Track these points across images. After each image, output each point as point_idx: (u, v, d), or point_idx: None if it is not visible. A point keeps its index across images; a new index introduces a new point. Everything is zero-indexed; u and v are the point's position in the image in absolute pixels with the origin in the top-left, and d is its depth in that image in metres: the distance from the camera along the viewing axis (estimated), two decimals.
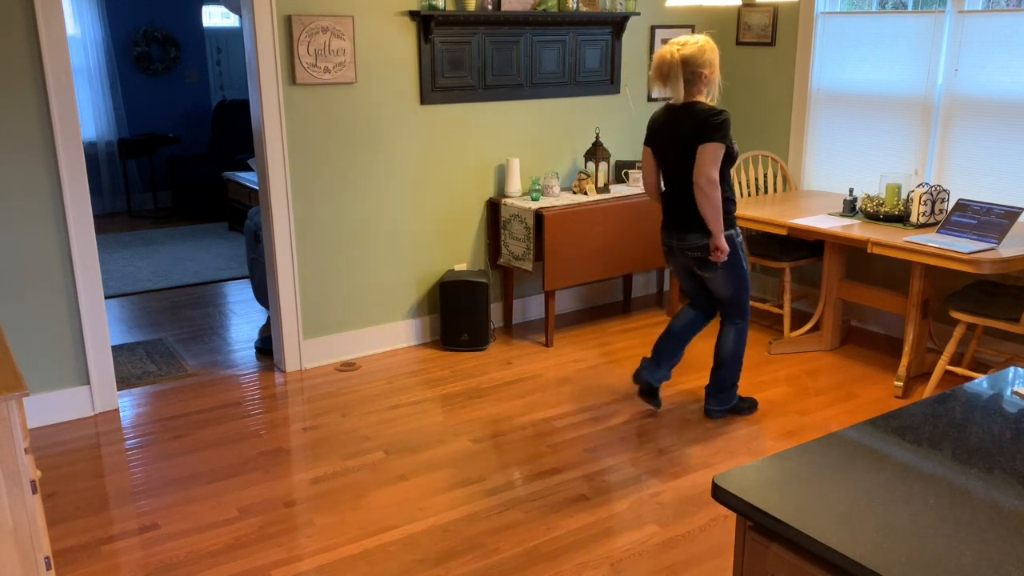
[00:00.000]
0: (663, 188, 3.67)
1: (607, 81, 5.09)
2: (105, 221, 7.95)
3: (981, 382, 1.95)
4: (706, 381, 3.88)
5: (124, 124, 8.38)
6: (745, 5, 5.27)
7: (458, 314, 4.61)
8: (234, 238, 7.33)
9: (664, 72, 3.43)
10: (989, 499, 1.44)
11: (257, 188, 4.55)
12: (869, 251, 3.94)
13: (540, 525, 3.04)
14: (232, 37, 8.79)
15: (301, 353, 4.42)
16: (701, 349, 4.71)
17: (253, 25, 3.97)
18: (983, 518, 1.38)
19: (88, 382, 3.89)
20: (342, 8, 4.15)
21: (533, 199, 4.64)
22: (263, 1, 3.94)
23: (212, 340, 4.91)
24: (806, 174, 5.19)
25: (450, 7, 4.43)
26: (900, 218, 4.14)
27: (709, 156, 3.35)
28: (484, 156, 4.77)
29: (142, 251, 6.95)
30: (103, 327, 3.89)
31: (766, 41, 5.24)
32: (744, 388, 4.17)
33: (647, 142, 3.64)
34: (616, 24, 5.01)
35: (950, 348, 3.90)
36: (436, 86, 4.51)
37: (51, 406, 3.81)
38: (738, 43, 5.41)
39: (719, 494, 1.49)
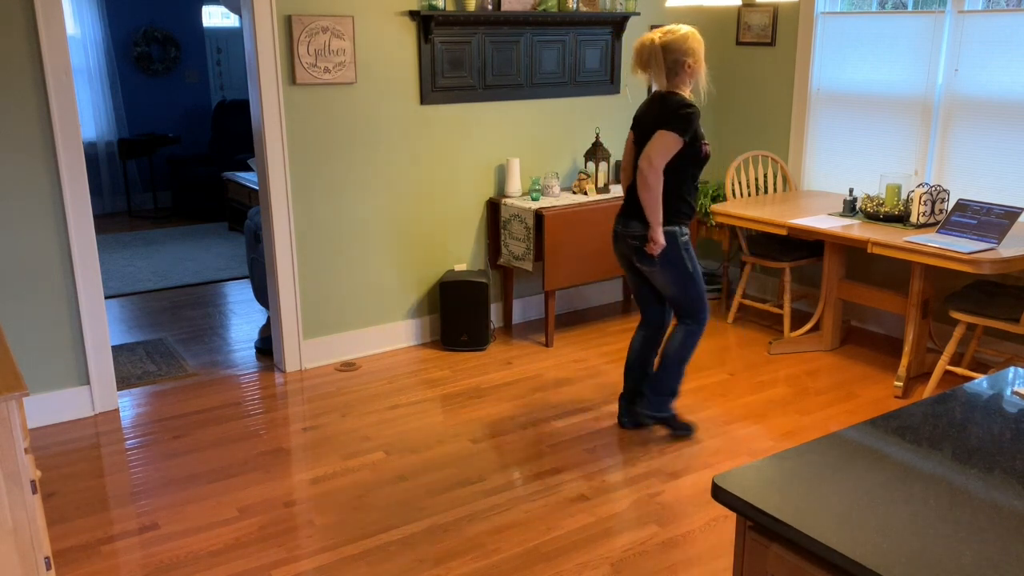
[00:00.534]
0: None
1: (607, 81, 5.09)
2: (105, 221, 7.95)
3: (981, 382, 1.95)
4: (707, 381, 3.87)
5: (124, 124, 8.38)
6: (745, 5, 5.27)
7: (458, 314, 4.61)
8: (234, 238, 7.33)
9: (644, 58, 3.34)
10: (989, 499, 1.44)
11: (257, 188, 4.55)
12: (869, 251, 3.94)
13: (540, 525, 3.04)
14: (232, 37, 8.79)
15: (301, 353, 4.42)
16: (704, 348, 4.71)
17: (253, 25, 3.97)
18: (983, 518, 1.38)
19: (88, 382, 3.89)
20: (342, 8, 4.15)
21: (533, 199, 4.64)
22: (263, 1, 3.94)
23: (212, 340, 4.91)
24: (806, 174, 5.19)
25: (450, 7, 4.43)
26: (900, 218, 4.14)
27: (659, 143, 3.24)
28: (484, 156, 4.77)
29: (142, 251, 6.95)
30: (103, 327, 3.89)
31: (766, 41, 5.24)
32: (744, 388, 4.18)
33: (632, 127, 3.54)
34: (616, 24, 5.01)
35: (950, 348, 3.90)
36: (436, 86, 4.51)
37: (51, 406, 3.81)
38: (738, 43, 5.41)
39: (719, 494, 1.49)
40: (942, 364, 3.93)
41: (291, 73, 4.09)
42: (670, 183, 3.30)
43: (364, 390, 4.19)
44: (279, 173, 4.17)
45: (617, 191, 4.88)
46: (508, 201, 4.69)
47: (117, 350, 4.65)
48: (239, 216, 7.12)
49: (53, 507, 3.16)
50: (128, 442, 3.69)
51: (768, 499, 1.44)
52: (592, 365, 4.47)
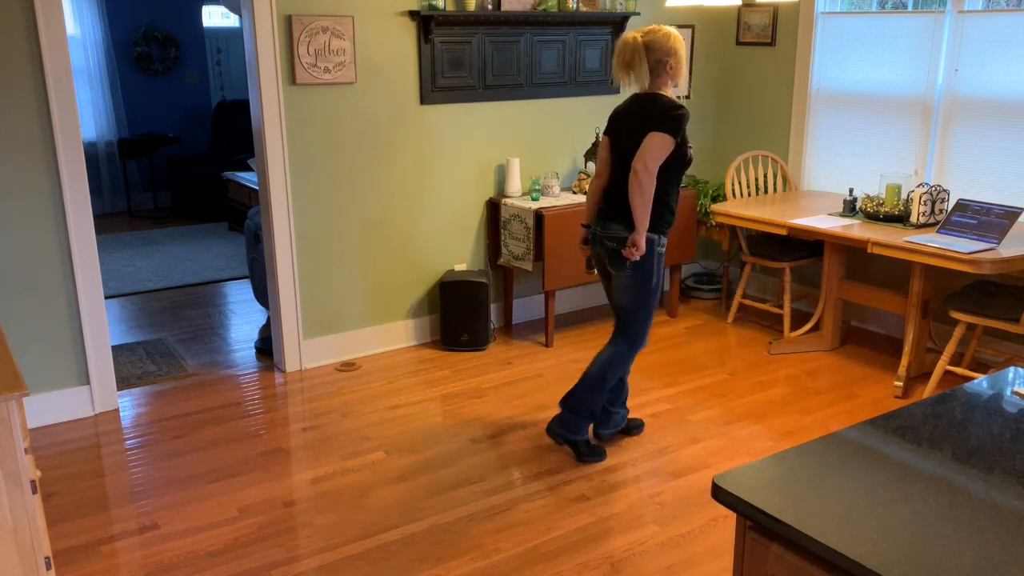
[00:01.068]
0: (607, 180, 3.38)
1: (607, 81, 5.09)
2: (105, 221, 7.95)
3: (981, 382, 1.95)
4: (707, 381, 3.86)
5: (124, 124, 8.38)
6: (745, 5, 5.27)
7: (458, 314, 4.61)
8: (234, 238, 7.33)
9: (627, 58, 3.23)
10: (989, 499, 1.44)
11: (257, 188, 4.55)
12: (869, 251, 3.94)
13: (540, 525, 3.04)
14: (232, 37, 8.79)
15: (301, 353, 4.42)
16: (704, 348, 4.71)
17: (253, 25, 3.97)
18: (983, 518, 1.38)
19: (88, 382, 3.89)
20: (342, 8, 4.15)
21: (533, 199, 4.64)
22: (263, 1, 3.94)
23: (212, 340, 4.91)
24: (806, 174, 5.19)
25: (450, 7, 4.43)
26: (900, 218, 4.14)
27: (653, 145, 3.13)
28: (484, 156, 4.77)
29: (142, 251, 6.95)
30: (103, 327, 3.89)
31: (766, 41, 5.24)
32: (743, 388, 4.18)
33: (607, 131, 3.40)
34: (616, 24, 5.01)
35: (950, 348, 3.90)
36: (436, 86, 4.51)
37: (51, 406, 3.81)
38: (738, 43, 5.41)
39: (719, 494, 1.49)
40: (942, 364, 3.93)
41: (291, 73, 4.09)
42: (657, 188, 3.20)
43: (364, 390, 4.19)
44: (279, 173, 4.17)
45: None
46: (508, 201, 4.69)
47: (117, 350, 4.65)
48: (239, 216, 7.11)
49: (53, 507, 3.16)
50: (128, 442, 3.69)
51: (768, 499, 1.44)
52: None
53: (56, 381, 3.82)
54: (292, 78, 4.09)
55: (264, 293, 4.56)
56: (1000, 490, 1.47)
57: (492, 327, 4.80)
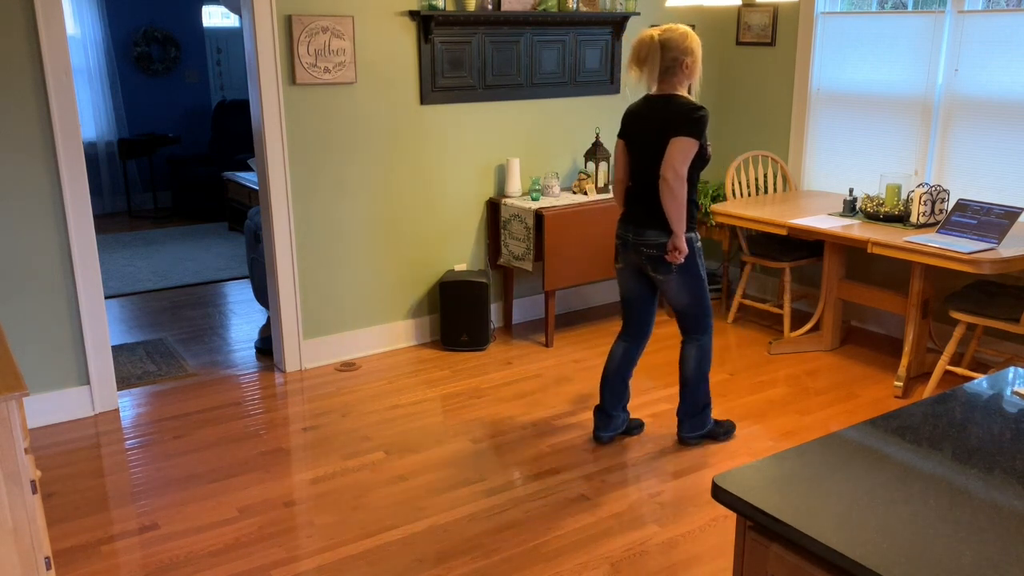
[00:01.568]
0: (629, 183, 3.45)
1: (607, 81, 5.09)
2: (105, 221, 7.95)
3: (981, 382, 1.95)
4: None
5: (124, 124, 8.38)
6: (745, 5, 5.27)
7: (458, 314, 4.61)
8: (234, 238, 7.33)
9: (643, 55, 3.23)
10: (989, 499, 1.44)
11: (257, 188, 4.55)
12: (869, 251, 3.94)
13: (540, 525, 3.04)
14: (232, 37, 8.79)
15: (301, 353, 4.42)
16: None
17: (253, 25, 3.97)
18: (983, 518, 1.38)
19: (88, 382, 3.89)
20: (342, 8, 4.15)
21: (533, 199, 4.64)
22: (263, 1, 3.95)
23: (212, 340, 4.91)
24: (806, 174, 5.19)
25: (450, 7, 4.43)
26: (900, 218, 4.14)
27: (680, 150, 3.17)
28: (484, 156, 4.77)
29: (142, 251, 6.95)
30: (103, 327, 3.89)
31: (766, 41, 5.24)
32: (744, 388, 4.18)
33: (621, 135, 3.43)
34: (616, 24, 5.01)
35: (950, 348, 3.90)
36: (436, 86, 4.51)
37: (51, 406, 3.81)
38: (738, 43, 5.41)
39: (719, 494, 1.49)
40: (942, 364, 3.93)
41: (291, 73, 4.09)
42: None
43: (364, 390, 4.19)
44: (279, 173, 4.17)
45: None
46: (508, 201, 4.69)
47: (117, 350, 4.65)
48: (239, 216, 7.12)
49: (53, 507, 3.16)
50: (128, 442, 3.69)
51: (768, 499, 1.44)
52: (592, 365, 4.46)
53: (56, 381, 3.82)
54: (292, 78, 4.09)
55: (264, 293, 4.56)
56: (1000, 490, 1.47)
57: (492, 327, 4.80)
